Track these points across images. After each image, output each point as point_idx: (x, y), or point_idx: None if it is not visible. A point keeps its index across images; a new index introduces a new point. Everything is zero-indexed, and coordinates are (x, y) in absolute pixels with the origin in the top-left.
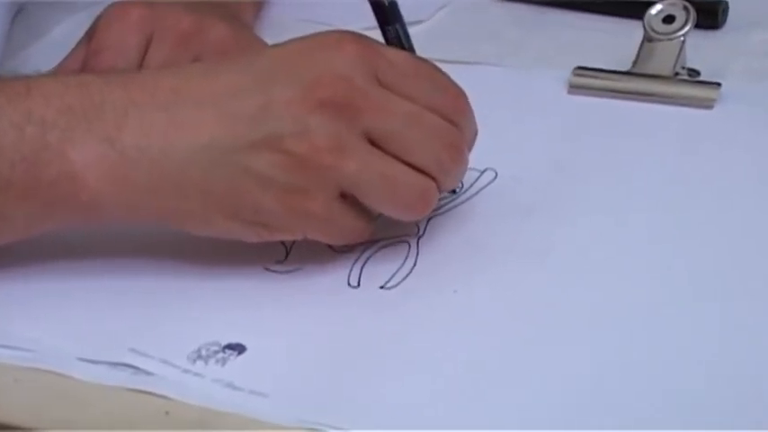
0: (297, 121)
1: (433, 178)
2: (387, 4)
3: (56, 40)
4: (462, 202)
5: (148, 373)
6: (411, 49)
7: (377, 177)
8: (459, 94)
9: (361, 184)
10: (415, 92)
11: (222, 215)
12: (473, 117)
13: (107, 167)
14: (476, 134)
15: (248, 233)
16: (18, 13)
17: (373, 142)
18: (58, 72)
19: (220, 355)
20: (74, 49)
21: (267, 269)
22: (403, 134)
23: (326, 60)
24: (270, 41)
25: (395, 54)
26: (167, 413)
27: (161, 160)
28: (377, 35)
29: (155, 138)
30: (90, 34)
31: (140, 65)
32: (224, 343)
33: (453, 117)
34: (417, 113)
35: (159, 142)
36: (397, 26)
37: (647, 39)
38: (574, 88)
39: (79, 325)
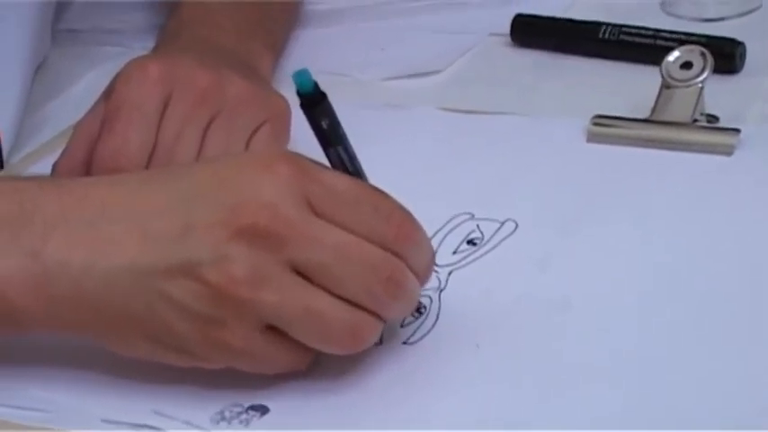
0: (215, 249)
1: (371, 312)
2: (325, 127)
3: (77, 96)
4: (483, 254)
5: None
6: (357, 173)
7: (300, 311)
8: (405, 221)
9: (284, 318)
10: (352, 220)
11: (143, 339)
12: (424, 243)
13: (28, 282)
14: (431, 259)
15: (172, 358)
16: (39, 68)
17: (301, 274)
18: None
19: (243, 416)
20: (93, 107)
21: None
22: (332, 266)
23: (253, 184)
24: (286, 94)
25: (334, 178)
26: None
27: (82, 278)
28: (401, 85)
29: (78, 254)
30: (109, 91)
31: (159, 122)
32: (247, 404)
33: (395, 247)
34: (350, 244)
35: (82, 259)
36: (340, 148)
37: (665, 86)
38: (593, 137)
39: (102, 386)
